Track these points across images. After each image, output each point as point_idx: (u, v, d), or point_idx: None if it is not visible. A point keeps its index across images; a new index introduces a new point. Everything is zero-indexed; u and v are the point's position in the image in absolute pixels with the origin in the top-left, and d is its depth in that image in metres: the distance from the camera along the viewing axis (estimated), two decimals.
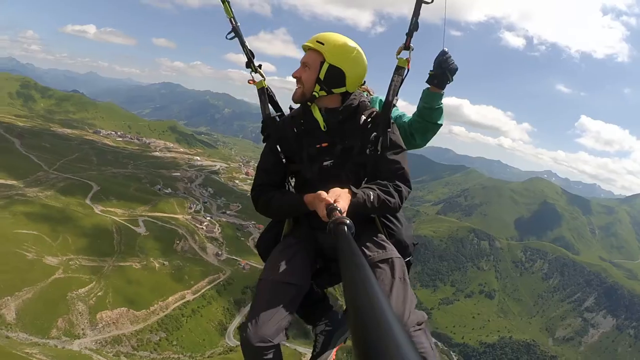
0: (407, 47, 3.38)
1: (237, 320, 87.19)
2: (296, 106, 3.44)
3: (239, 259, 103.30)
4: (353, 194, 2.89)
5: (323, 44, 3.16)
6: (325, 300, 3.91)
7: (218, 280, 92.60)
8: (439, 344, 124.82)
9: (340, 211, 2.54)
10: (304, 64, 3.25)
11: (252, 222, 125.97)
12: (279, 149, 3.36)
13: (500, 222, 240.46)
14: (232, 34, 3.70)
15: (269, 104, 3.69)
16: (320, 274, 3.59)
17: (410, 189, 3.29)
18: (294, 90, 3.32)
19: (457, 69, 3.82)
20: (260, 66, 3.73)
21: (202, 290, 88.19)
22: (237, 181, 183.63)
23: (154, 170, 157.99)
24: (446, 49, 3.80)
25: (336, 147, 3.24)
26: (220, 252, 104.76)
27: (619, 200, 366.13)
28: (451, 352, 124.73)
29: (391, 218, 3.43)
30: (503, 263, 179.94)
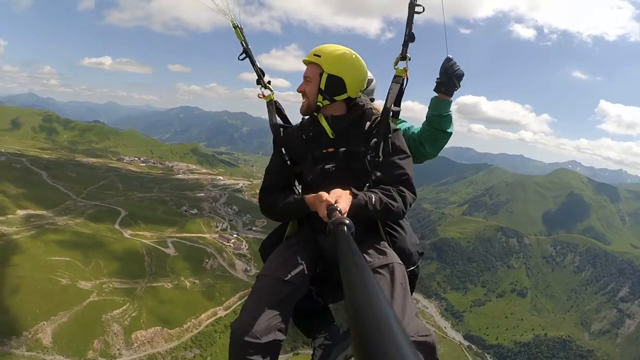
0: (403, 57, 3.60)
1: None
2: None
3: None
4: (354, 196, 2.94)
5: (320, 56, 3.33)
6: (326, 313, 3.92)
7: None
8: (473, 346, 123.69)
9: (340, 212, 2.56)
10: (305, 77, 3.42)
11: None
12: (284, 152, 3.52)
13: (527, 218, 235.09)
14: (244, 55, 4.04)
15: (278, 117, 3.92)
16: (321, 282, 3.58)
17: (415, 196, 3.33)
18: (301, 104, 3.51)
19: (463, 75, 3.92)
20: (269, 82, 4.02)
21: (234, 306, 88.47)
22: None
23: (178, 193, 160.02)
24: (451, 56, 3.90)
25: (340, 153, 3.33)
26: (249, 268, 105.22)
27: None
28: (486, 354, 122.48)
29: (395, 226, 3.49)
30: (533, 259, 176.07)
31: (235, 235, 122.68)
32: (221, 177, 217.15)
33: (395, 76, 3.59)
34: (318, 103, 3.37)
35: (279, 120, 3.92)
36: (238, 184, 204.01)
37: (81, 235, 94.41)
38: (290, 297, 3.07)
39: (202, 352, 76.20)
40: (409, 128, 4.38)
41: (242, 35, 4.04)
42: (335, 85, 3.30)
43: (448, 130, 4.10)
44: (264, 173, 3.71)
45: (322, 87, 3.31)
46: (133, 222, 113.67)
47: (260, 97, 3.98)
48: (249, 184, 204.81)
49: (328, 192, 2.84)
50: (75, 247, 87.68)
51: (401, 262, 3.15)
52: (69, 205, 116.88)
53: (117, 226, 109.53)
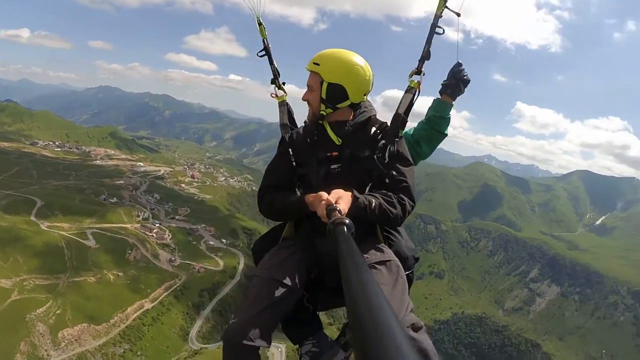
0: (418, 72, 3.68)
1: (198, 324, 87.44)
2: None
3: (192, 263, 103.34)
4: (355, 198, 2.92)
5: (319, 64, 3.29)
6: (314, 320, 3.78)
7: (174, 286, 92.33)
8: None
9: (340, 212, 2.55)
10: (309, 86, 3.40)
11: (202, 225, 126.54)
12: (291, 152, 3.48)
13: (444, 206, 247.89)
14: (263, 52, 4.13)
15: (287, 118, 3.98)
16: (314, 288, 3.51)
17: (414, 205, 3.33)
18: (308, 112, 3.52)
19: (469, 81, 4.13)
20: (284, 83, 4.12)
21: (160, 298, 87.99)
22: (183, 185, 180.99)
23: (96, 180, 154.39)
24: (461, 62, 4.13)
25: (345, 155, 3.32)
26: (173, 258, 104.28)
27: (555, 179, 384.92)
28: None
29: (392, 230, 3.52)
30: (450, 244, 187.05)
31: (157, 225, 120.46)
32: (141, 164, 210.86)
33: (408, 87, 3.67)
34: (322, 112, 3.36)
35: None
36: (159, 170, 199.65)
37: None
38: (283, 301, 3.06)
39: (132, 346, 75.28)
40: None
41: (265, 32, 4.14)
42: (336, 93, 3.30)
43: (445, 132, 4.35)
44: (264, 172, 3.68)
45: (324, 96, 3.31)
46: (50, 213, 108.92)
47: (273, 97, 4.07)
48: (171, 171, 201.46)
49: (328, 193, 2.85)
50: None
51: (397, 260, 3.24)
52: None
53: (33, 217, 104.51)
